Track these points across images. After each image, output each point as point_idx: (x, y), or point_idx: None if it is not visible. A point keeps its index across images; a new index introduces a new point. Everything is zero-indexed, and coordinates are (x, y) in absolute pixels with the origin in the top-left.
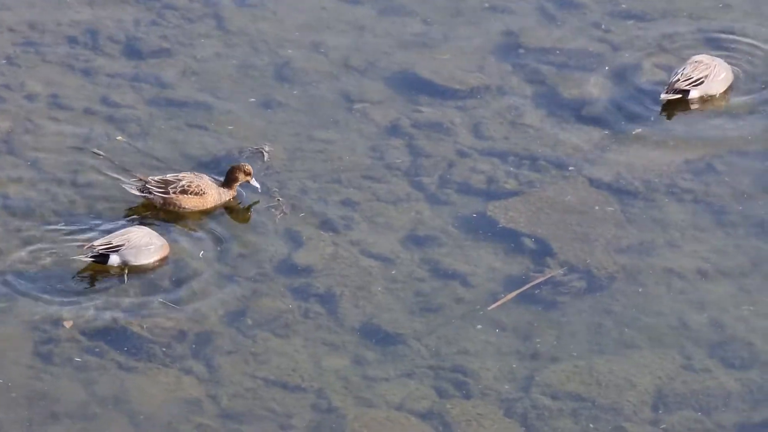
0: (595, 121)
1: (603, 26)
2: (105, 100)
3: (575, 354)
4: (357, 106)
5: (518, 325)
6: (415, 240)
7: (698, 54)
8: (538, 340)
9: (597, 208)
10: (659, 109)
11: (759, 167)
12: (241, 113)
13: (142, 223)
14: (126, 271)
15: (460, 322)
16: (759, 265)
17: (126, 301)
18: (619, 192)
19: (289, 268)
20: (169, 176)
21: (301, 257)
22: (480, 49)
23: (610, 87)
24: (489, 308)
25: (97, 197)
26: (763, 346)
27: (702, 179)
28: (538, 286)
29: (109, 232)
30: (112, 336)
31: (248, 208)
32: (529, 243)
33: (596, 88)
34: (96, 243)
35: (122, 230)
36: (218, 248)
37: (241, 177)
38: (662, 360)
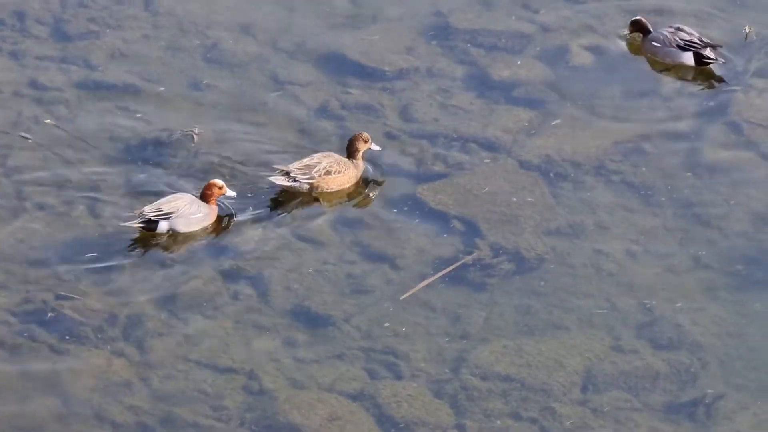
0: (525, 102)
1: (532, 7)
2: (33, 83)
3: (504, 335)
4: (286, 87)
5: (448, 307)
6: (345, 222)
7: (668, 27)
8: (467, 321)
9: (526, 190)
10: (590, 90)
11: (687, 148)
12: (170, 95)
13: (183, 191)
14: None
15: (390, 304)
16: (686, 247)
17: (57, 283)
18: (548, 174)
19: (219, 251)
20: (306, 161)
21: (231, 240)
22: (409, 31)
23: (540, 68)
24: (401, 298)
25: (26, 181)
26: (690, 327)
27: (630, 161)
28: (466, 267)
29: None
30: (44, 318)
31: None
32: (458, 225)
33: (526, 69)
34: (145, 209)
35: (169, 197)
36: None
37: (362, 145)
38: (591, 341)
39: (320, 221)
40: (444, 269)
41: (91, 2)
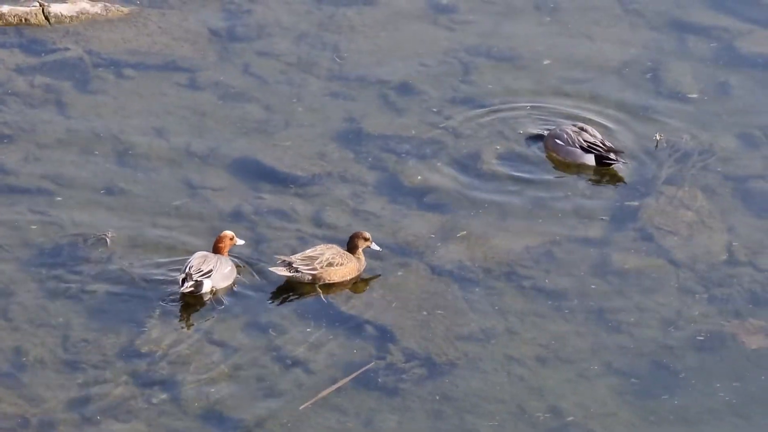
0: (437, 208)
1: (444, 113)
2: None
3: None
4: (199, 192)
5: (360, 411)
6: (257, 325)
7: (564, 125)
8: (379, 425)
9: (438, 295)
10: (500, 195)
11: (597, 253)
12: (83, 199)
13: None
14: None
15: (302, 408)
16: (597, 352)
17: None
18: (461, 279)
19: (132, 354)
20: (309, 252)
21: (144, 343)
22: (321, 136)
23: (451, 174)
24: (300, 408)
25: None
26: None
27: (541, 266)
28: (378, 371)
29: None
30: None
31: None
32: (370, 330)
33: (438, 175)
34: (191, 272)
35: (196, 257)
36: (62, 334)
37: (362, 243)
38: None
39: (233, 324)
40: (348, 377)
41: (4, 106)
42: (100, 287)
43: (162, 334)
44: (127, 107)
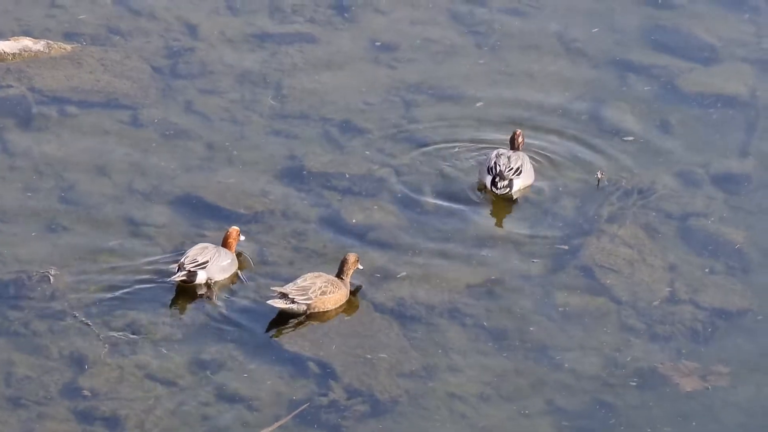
0: (379, 245)
1: (386, 151)
2: None
3: None
4: (142, 229)
5: None
6: (200, 363)
7: (496, 149)
8: None
9: (381, 332)
10: (444, 233)
11: (539, 291)
12: (26, 236)
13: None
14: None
15: None
16: (539, 389)
17: None
18: (402, 316)
19: (74, 392)
20: (300, 282)
21: (86, 380)
22: (264, 174)
23: (393, 211)
24: None
25: None
26: None
27: (483, 304)
28: (319, 409)
29: None
30: None
31: None
32: (313, 367)
33: (380, 213)
34: (185, 263)
35: (196, 248)
36: (5, 371)
37: (353, 266)
38: None
39: (176, 360)
40: (290, 414)
41: None
42: (43, 324)
43: (104, 371)
44: (69, 144)
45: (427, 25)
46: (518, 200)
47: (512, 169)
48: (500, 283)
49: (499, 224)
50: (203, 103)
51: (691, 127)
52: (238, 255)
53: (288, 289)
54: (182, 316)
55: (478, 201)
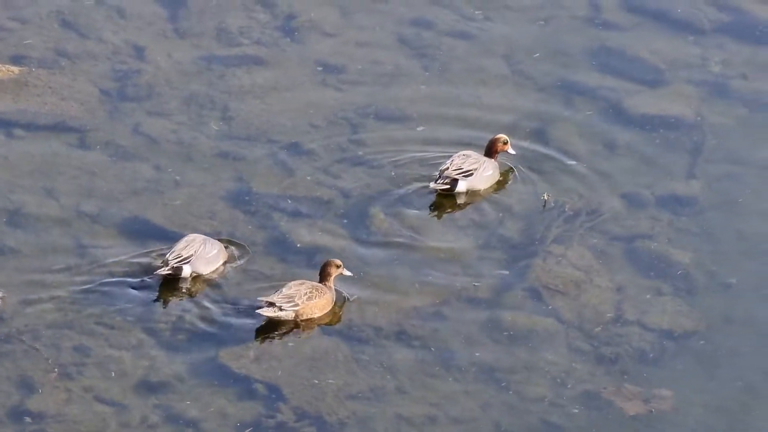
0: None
1: (333, 173)
2: None
3: None
4: (89, 251)
5: None
6: (148, 386)
7: (465, 150)
8: None
9: (329, 354)
10: (387, 254)
11: (486, 313)
12: None
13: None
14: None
15: None
16: (487, 411)
17: None
18: (350, 339)
19: (21, 414)
20: (285, 291)
21: (34, 403)
22: (212, 196)
23: (341, 233)
24: None
25: None
26: None
27: (430, 325)
28: (267, 431)
29: None
30: None
31: None
32: (261, 389)
33: (329, 235)
34: (168, 258)
35: (182, 241)
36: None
37: (334, 271)
38: None
39: (123, 382)
40: None
41: None
42: None
43: (53, 394)
44: (17, 167)
45: (373, 48)
46: (465, 222)
47: (461, 170)
48: (447, 305)
49: (446, 246)
50: (151, 125)
51: (637, 150)
52: (226, 246)
53: (274, 297)
54: (130, 338)
55: (425, 223)
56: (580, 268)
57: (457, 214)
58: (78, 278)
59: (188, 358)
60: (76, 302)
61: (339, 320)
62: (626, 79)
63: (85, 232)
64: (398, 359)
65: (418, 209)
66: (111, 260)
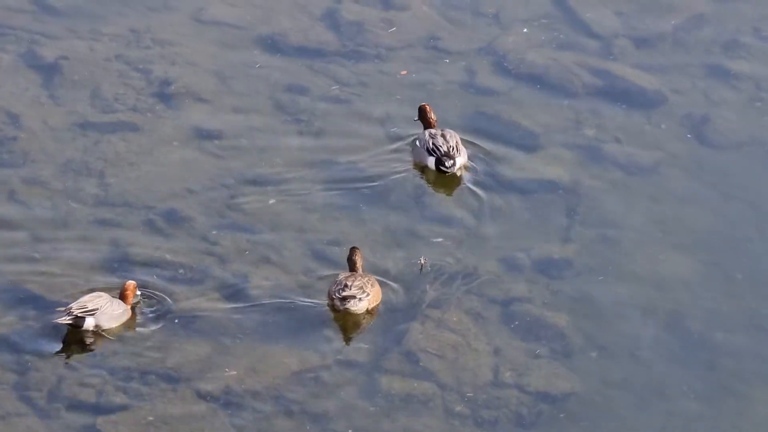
0: (204, 333)
1: (210, 239)
2: None
3: None
4: None
5: None
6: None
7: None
8: None
9: (205, 420)
10: (267, 321)
11: (364, 378)
12: None
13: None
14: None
15: None
16: None
17: None
18: (228, 404)
19: None
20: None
21: None
22: (88, 263)
23: (219, 299)
24: None
25: None
26: None
27: (309, 389)
28: None
29: None
30: None
31: None
32: None
33: (205, 300)
34: (72, 307)
35: (90, 295)
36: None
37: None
38: None
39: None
40: None
41: None
42: None
43: None
44: None
45: (249, 113)
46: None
47: (452, 146)
48: (326, 369)
49: (323, 311)
50: (26, 192)
51: (513, 213)
52: (133, 307)
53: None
54: (6, 406)
55: (303, 287)
56: (457, 331)
57: None
58: None
59: (66, 427)
60: None
61: (217, 387)
62: (502, 143)
63: None
64: (276, 424)
65: (301, 272)
66: None
